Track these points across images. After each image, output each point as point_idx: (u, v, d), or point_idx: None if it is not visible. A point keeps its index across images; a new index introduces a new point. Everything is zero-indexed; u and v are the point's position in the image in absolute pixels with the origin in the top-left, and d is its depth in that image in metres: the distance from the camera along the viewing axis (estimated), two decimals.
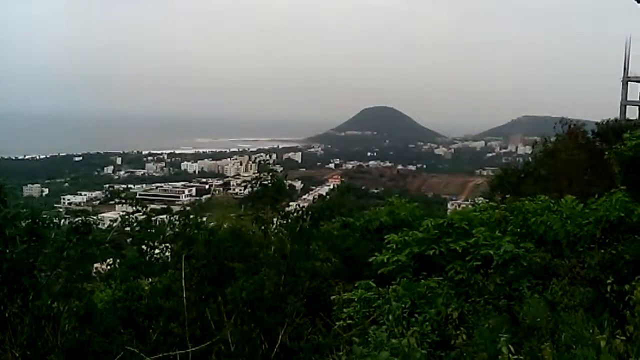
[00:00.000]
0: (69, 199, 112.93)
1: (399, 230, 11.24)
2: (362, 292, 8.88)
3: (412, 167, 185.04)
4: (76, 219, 8.56)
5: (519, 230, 10.46)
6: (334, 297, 9.22)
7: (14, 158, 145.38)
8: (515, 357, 4.35)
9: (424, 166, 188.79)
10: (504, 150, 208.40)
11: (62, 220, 8.79)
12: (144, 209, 9.60)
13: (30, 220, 8.08)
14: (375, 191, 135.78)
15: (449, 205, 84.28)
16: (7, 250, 7.74)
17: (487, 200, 20.16)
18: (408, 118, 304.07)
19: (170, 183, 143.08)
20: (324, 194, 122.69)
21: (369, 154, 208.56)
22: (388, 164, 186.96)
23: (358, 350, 4.75)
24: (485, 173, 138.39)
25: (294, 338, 7.98)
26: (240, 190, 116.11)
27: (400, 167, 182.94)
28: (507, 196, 19.48)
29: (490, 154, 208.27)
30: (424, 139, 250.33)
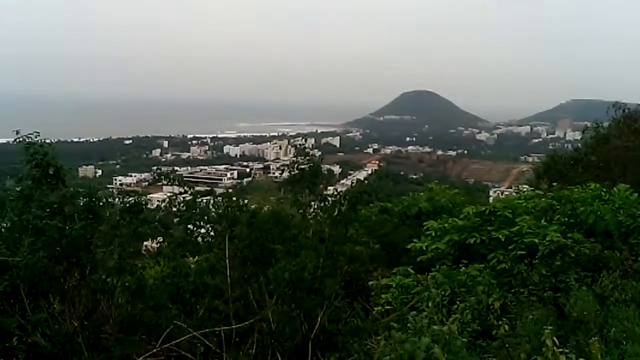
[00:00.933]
0: (120, 180, 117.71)
1: (439, 217, 11.09)
2: (400, 278, 8.86)
3: (452, 153, 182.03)
4: (129, 199, 8.99)
5: (566, 219, 10.10)
6: (371, 282, 9.26)
7: (69, 141, 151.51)
8: (561, 350, 4.27)
9: (465, 152, 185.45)
10: (551, 136, 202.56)
11: (116, 200, 9.20)
12: (191, 190, 9.90)
13: (87, 198, 8.52)
14: (414, 177, 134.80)
15: (491, 193, 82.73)
16: (67, 227, 8.20)
17: (533, 188, 19.63)
18: (449, 102, 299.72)
19: (213, 166, 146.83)
20: (362, 178, 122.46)
21: (407, 138, 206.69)
22: (427, 149, 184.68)
23: (397, 336, 4.76)
24: (530, 160, 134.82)
25: (332, 320, 8.09)
26: (280, 173, 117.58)
27: (440, 152, 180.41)
28: (554, 184, 18.93)
29: (536, 140, 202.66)
30: (465, 123, 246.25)
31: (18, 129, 8.96)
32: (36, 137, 9.01)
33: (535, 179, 24.82)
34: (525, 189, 17.19)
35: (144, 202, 9.12)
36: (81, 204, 8.65)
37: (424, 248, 9.79)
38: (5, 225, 8.77)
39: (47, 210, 8.55)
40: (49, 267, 8.18)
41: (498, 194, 66.14)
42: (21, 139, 8.92)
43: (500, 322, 5.17)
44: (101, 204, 8.85)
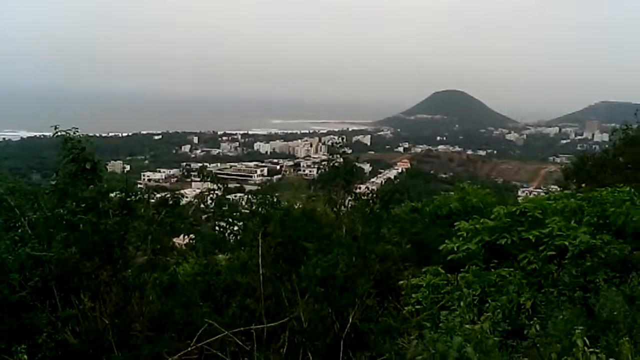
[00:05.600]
0: (148, 176, 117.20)
1: (469, 217, 11.08)
2: (431, 277, 8.90)
3: (482, 153, 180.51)
4: (165, 194, 9.02)
5: (596, 221, 10.02)
6: (402, 281, 9.30)
7: (98, 135, 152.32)
8: (591, 350, 4.30)
9: (495, 152, 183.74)
10: (579, 137, 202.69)
11: (151, 195, 9.20)
12: (224, 187, 9.90)
13: (123, 194, 8.52)
14: (444, 176, 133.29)
15: (519, 193, 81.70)
16: (100, 223, 8.17)
17: (562, 189, 19.37)
18: (479, 102, 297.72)
19: (243, 163, 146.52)
20: (392, 177, 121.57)
21: (438, 138, 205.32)
22: (457, 148, 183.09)
23: (429, 335, 4.81)
24: (558, 160, 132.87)
25: (364, 319, 8.08)
26: (310, 171, 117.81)
27: (469, 152, 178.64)
28: (583, 185, 18.57)
29: (564, 141, 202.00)
30: (495, 124, 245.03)
31: (56, 124, 8.88)
32: (75, 133, 8.97)
33: (564, 180, 24.51)
34: (554, 190, 16.98)
35: (179, 197, 9.13)
36: (116, 199, 8.63)
37: (456, 249, 9.80)
38: (38, 219, 8.74)
39: (82, 205, 8.50)
40: (80, 263, 8.17)
41: (527, 194, 65.25)
42: (59, 134, 8.85)
43: (531, 322, 5.21)
44: (136, 199, 8.81)
